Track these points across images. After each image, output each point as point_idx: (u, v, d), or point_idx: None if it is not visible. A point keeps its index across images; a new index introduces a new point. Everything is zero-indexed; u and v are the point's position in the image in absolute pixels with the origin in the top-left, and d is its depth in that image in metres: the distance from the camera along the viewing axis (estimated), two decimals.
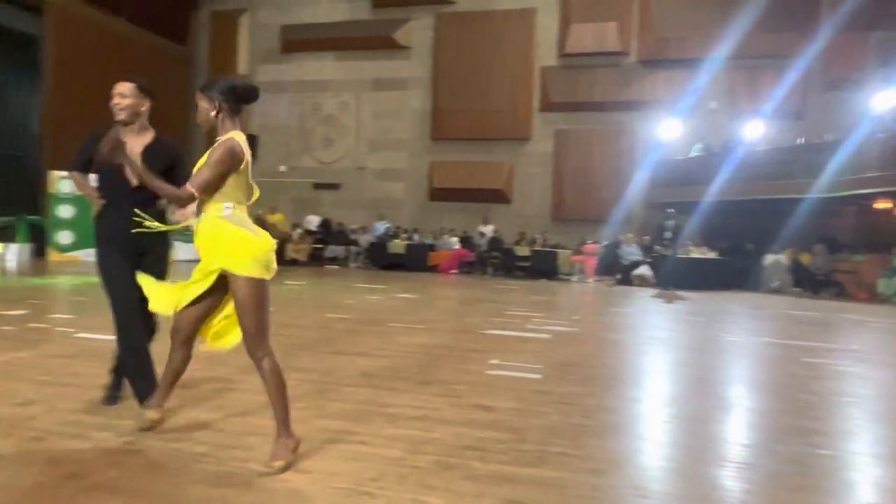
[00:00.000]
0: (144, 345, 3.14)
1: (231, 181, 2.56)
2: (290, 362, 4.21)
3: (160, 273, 3.03)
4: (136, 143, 3.07)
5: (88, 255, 13.98)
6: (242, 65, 18.82)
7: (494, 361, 4.55)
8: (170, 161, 3.10)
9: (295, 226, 16.44)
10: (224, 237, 2.50)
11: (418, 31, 17.80)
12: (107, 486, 2.17)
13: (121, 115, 3.07)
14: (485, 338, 5.63)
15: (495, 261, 15.07)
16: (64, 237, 13.85)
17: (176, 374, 2.78)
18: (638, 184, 15.88)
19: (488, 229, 15.79)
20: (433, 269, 15.12)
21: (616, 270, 14.03)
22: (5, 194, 14.48)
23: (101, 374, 3.69)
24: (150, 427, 2.70)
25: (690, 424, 3.33)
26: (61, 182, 13.82)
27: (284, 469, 2.35)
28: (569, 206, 16.82)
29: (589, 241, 15.05)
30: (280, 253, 15.53)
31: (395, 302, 8.44)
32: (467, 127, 17.31)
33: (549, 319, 7.12)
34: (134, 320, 3.12)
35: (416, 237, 16.23)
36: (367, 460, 2.49)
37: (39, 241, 14.23)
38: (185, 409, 3.08)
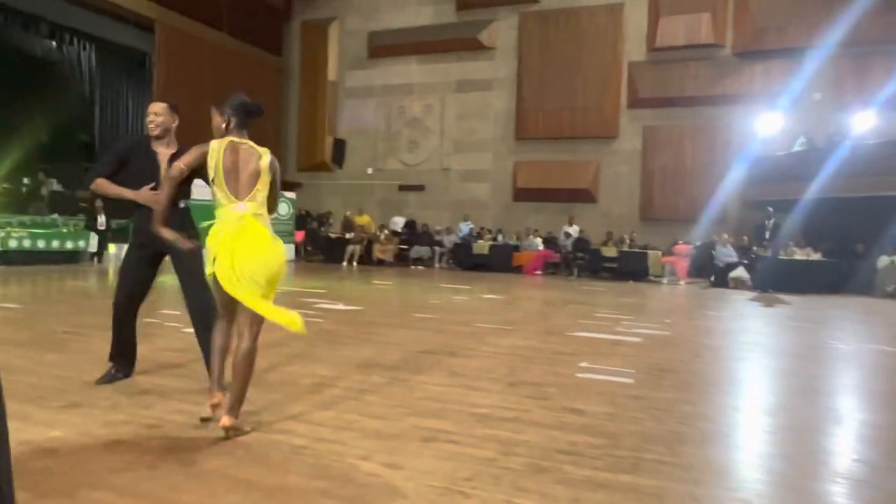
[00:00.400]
0: (125, 331, 3.59)
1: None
2: (379, 361, 4.32)
3: (194, 268, 3.21)
4: (165, 153, 3.54)
5: None
6: (332, 72, 19.46)
7: (584, 364, 4.46)
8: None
9: (381, 227, 16.81)
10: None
11: (503, 31, 17.77)
12: (214, 473, 2.29)
13: (155, 131, 3.56)
14: (573, 340, 5.54)
15: (581, 262, 14.78)
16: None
17: (225, 355, 2.96)
18: (733, 181, 15.12)
19: (574, 230, 15.51)
20: (517, 269, 15.03)
21: (710, 272, 13.42)
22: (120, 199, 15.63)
23: (204, 366, 3.91)
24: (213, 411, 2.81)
25: (796, 435, 3.13)
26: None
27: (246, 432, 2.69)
28: (658, 206, 16.26)
29: (680, 242, 14.47)
30: (367, 253, 16.00)
31: (481, 303, 8.46)
32: (552, 126, 17.11)
33: (640, 322, 6.90)
34: (125, 308, 3.61)
35: (500, 238, 16.19)
36: (460, 460, 2.50)
37: None
38: (286, 403, 3.21)
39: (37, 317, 5.78)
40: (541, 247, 15.34)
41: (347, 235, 16.31)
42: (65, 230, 12.57)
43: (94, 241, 12.96)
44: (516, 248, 15.54)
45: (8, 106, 15.24)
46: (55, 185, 15.17)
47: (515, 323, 6.53)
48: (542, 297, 9.85)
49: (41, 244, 11.91)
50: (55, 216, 13.08)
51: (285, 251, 2.87)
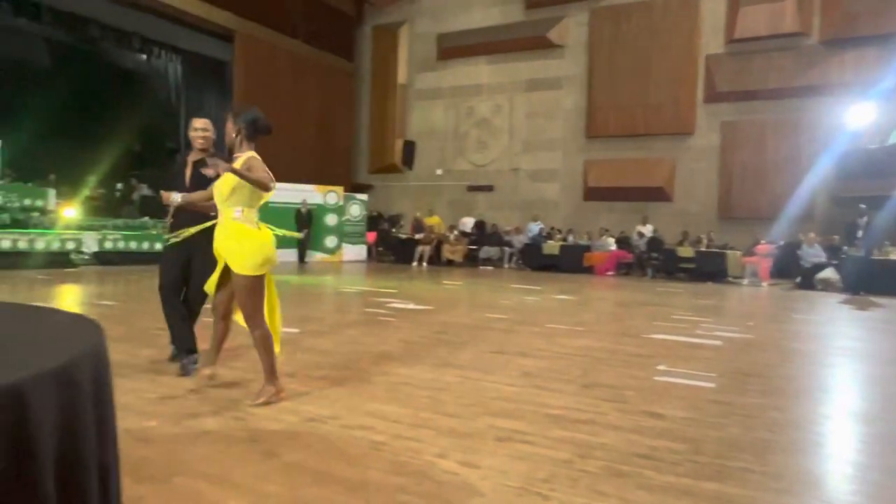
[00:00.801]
0: (177, 317, 3.91)
1: (249, 189, 3.11)
2: (451, 360, 4.35)
3: (207, 272, 3.44)
4: (190, 160, 4.01)
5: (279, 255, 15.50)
6: (402, 74, 19.74)
7: (662, 367, 4.33)
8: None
9: (451, 227, 16.90)
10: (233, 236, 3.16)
11: (572, 28, 17.50)
12: (297, 465, 2.37)
13: (204, 145, 4.00)
14: (649, 342, 5.39)
15: (655, 262, 14.35)
16: None
17: (219, 341, 3.36)
18: (820, 177, 14.28)
19: (647, 229, 15.08)
20: (589, 270, 14.76)
21: (795, 273, 12.73)
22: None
23: (287, 362, 4.06)
24: (208, 380, 3.33)
25: (894, 446, 2.93)
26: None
27: (265, 404, 3.09)
28: (737, 204, 15.57)
29: (762, 241, 13.80)
30: (437, 254, 16.13)
31: (552, 303, 8.36)
32: (624, 123, 16.70)
33: (720, 325, 6.64)
34: (165, 292, 3.97)
35: (570, 238, 15.95)
36: (536, 461, 2.49)
37: None
38: (363, 400, 3.28)
39: (131, 314, 6.15)
40: (613, 247, 15.00)
41: (417, 236, 16.50)
42: (154, 232, 13.31)
43: None
44: (587, 249, 15.25)
45: (103, 117, 16.32)
46: (145, 190, 16.10)
47: (588, 324, 6.42)
48: (614, 298, 9.63)
49: (133, 245, 12.67)
50: (145, 219, 13.89)
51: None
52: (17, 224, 11.24)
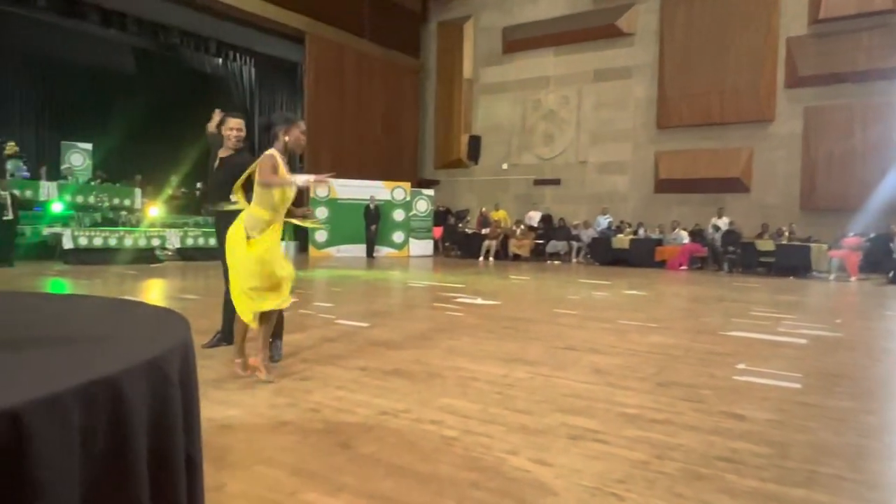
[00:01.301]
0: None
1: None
2: (521, 355, 4.31)
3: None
4: (222, 154, 4.19)
5: (340, 251, 15.87)
6: (467, 69, 19.72)
7: (742, 366, 4.14)
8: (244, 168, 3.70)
9: (517, 222, 16.78)
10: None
11: (642, 15, 16.97)
12: (371, 458, 2.41)
13: (238, 145, 4.15)
14: (727, 340, 5.17)
15: (732, 256, 13.76)
16: (320, 235, 15.83)
17: (242, 334, 3.65)
18: None
19: (723, 222, 14.48)
20: (660, 265, 14.33)
21: (888, 267, 11.92)
22: None
23: (359, 356, 4.13)
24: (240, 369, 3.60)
25: None
26: (319, 187, 15.80)
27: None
28: (822, 194, 14.69)
29: (850, 234, 12.99)
30: (503, 248, 16.06)
31: (623, 299, 8.16)
32: (697, 112, 16.07)
33: (805, 322, 6.29)
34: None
35: (641, 231, 15.51)
36: (611, 460, 2.43)
37: (302, 239, 16.45)
38: (433, 395, 3.30)
39: (212, 307, 6.40)
40: (686, 240, 14.49)
41: (484, 231, 16.48)
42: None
43: None
44: (659, 242, 14.80)
45: (183, 119, 17.08)
46: None
47: (661, 320, 6.23)
48: (689, 293, 9.30)
49: (212, 242, 13.22)
50: None
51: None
52: (107, 222, 11.98)
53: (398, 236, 16.72)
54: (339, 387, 3.40)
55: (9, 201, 10.62)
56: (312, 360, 4.00)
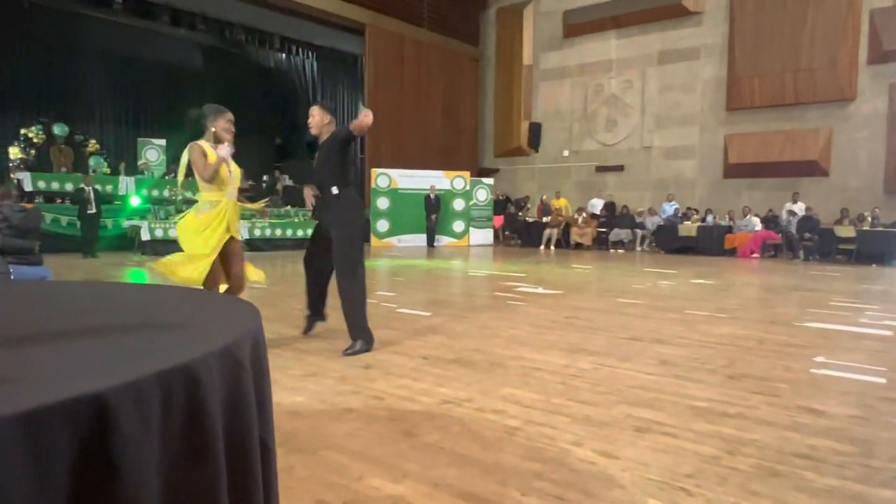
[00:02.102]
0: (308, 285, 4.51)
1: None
2: (584, 346, 4.24)
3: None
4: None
5: (400, 241, 16.04)
6: (527, 55, 19.45)
7: (820, 359, 3.94)
8: (339, 143, 4.13)
9: (579, 210, 16.50)
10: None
11: None
12: (434, 446, 2.42)
13: (313, 131, 4.23)
14: (804, 331, 4.93)
15: (808, 243, 13.09)
16: (381, 225, 16.04)
17: None
18: None
19: (798, 207, 13.77)
20: (730, 253, 13.79)
21: None
22: None
23: (421, 345, 4.17)
24: None
25: None
26: (379, 178, 16.00)
27: None
28: None
29: None
30: (565, 237, 15.83)
31: (690, 288, 7.90)
32: (771, 92, 15.30)
33: (890, 313, 5.92)
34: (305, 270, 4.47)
35: (709, 218, 14.95)
36: (679, 454, 2.36)
37: (365, 229, 16.71)
38: (496, 385, 3.29)
39: (278, 296, 6.62)
40: (758, 227, 13.88)
41: (545, 219, 16.29)
42: (296, 220, 14.24)
43: None
44: (729, 230, 14.24)
45: (250, 114, 17.62)
46: (287, 181, 17.25)
47: (731, 310, 5.99)
48: (761, 282, 8.92)
49: (278, 232, 13.64)
50: (288, 208, 14.88)
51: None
52: (180, 215, 12.49)
53: (458, 225, 16.75)
54: (401, 375, 3.44)
55: (92, 196, 11.25)
56: (375, 349, 4.06)
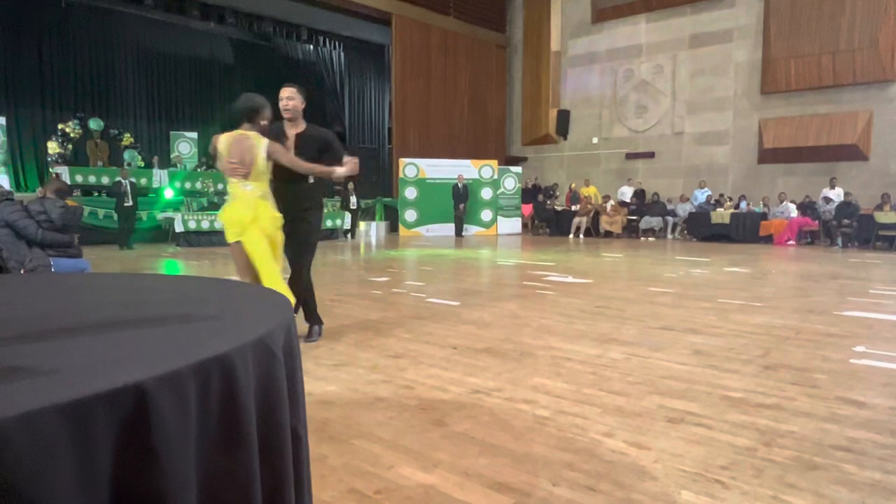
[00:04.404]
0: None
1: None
2: (615, 335, 4.20)
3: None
4: (292, 133, 3.99)
5: (429, 230, 16.07)
6: (555, 42, 19.21)
7: (860, 349, 3.84)
8: (320, 144, 3.98)
9: (607, 197, 16.30)
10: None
11: None
12: (464, 436, 2.43)
13: (287, 115, 3.98)
14: (843, 320, 4.80)
15: (847, 230, 12.74)
16: (410, 215, 16.08)
17: None
18: None
19: (836, 193, 13.40)
20: (765, 240, 13.50)
21: None
22: (366, 181, 17.45)
23: (450, 335, 4.17)
24: None
25: None
26: (407, 168, 16.03)
27: None
28: None
29: None
30: (594, 225, 15.67)
31: (724, 276, 7.76)
32: (807, 75, 14.86)
33: None
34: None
35: (743, 205, 14.65)
36: (713, 446, 2.32)
37: (392, 219, 16.79)
38: (526, 374, 3.28)
39: None
40: (794, 213, 13.55)
41: (574, 207, 16.14)
42: (325, 211, 14.34)
43: (347, 220, 14.61)
44: (764, 216, 13.93)
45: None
46: None
47: (766, 299, 5.87)
48: (797, 270, 8.71)
49: None
50: None
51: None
52: (212, 206, 12.71)
53: (486, 214, 16.70)
54: (431, 364, 3.45)
55: (129, 189, 11.50)
56: (405, 339, 4.08)
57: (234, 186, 3.56)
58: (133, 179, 12.08)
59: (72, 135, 13.83)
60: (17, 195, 7.06)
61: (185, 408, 0.86)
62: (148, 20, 16.06)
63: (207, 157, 14.89)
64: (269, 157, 3.54)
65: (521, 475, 2.08)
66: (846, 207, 12.87)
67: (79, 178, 12.72)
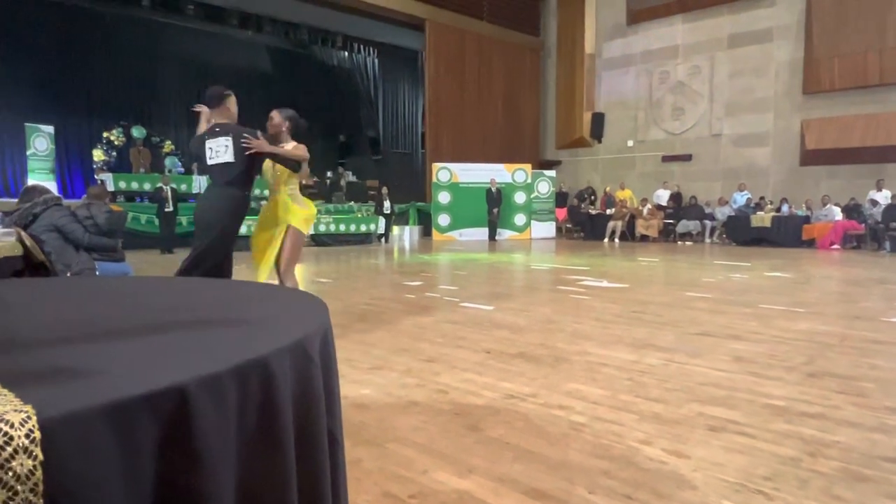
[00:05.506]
0: None
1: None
2: (652, 341, 4.13)
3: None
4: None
5: (462, 235, 16.07)
6: (589, 44, 19.05)
7: None
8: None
9: (644, 201, 16.07)
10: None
11: None
12: (499, 441, 2.41)
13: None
14: (891, 327, 4.63)
15: (895, 233, 12.30)
16: (443, 219, 16.11)
17: None
18: None
19: (883, 195, 12.95)
20: (808, 244, 13.13)
21: None
22: (400, 186, 17.55)
23: (484, 340, 4.16)
24: None
25: None
26: (440, 172, 16.07)
27: None
28: None
29: None
30: (630, 229, 15.46)
31: (765, 281, 7.56)
32: (852, 74, 14.43)
33: None
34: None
35: (784, 208, 14.28)
36: (756, 455, 2.26)
37: (426, 224, 16.85)
38: (561, 379, 3.25)
39: (343, 290, 6.75)
40: (839, 217, 13.15)
41: (608, 211, 15.95)
42: (359, 215, 14.48)
43: (381, 224, 14.72)
44: (806, 220, 13.55)
45: (314, 112, 18.03)
46: (350, 177, 17.57)
47: (810, 305, 5.70)
48: (842, 275, 8.44)
49: (342, 228, 13.91)
50: (351, 203, 15.15)
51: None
52: (251, 212, 12.92)
53: (520, 219, 16.63)
54: (465, 369, 3.44)
55: (170, 195, 11.79)
56: (439, 343, 4.08)
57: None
58: (174, 185, 12.38)
59: (116, 142, 14.26)
60: (65, 201, 7.31)
61: (224, 410, 0.87)
62: (188, 30, 16.48)
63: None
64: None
65: (557, 482, 2.05)
66: (894, 210, 12.43)
67: (122, 185, 13.09)
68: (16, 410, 0.68)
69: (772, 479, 2.07)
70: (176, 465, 0.81)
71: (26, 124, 13.32)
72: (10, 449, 0.65)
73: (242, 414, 0.91)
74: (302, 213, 4.20)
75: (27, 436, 0.66)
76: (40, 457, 0.66)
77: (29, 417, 0.67)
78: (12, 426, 0.66)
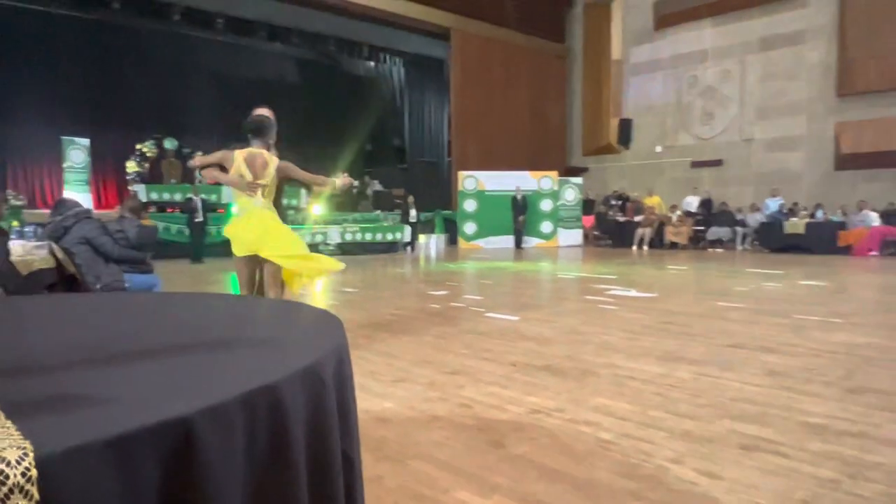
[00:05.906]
0: None
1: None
2: (682, 353, 4.02)
3: None
4: None
5: (488, 243, 16.01)
6: (615, 50, 18.91)
7: None
8: None
9: (673, 207, 15.82)
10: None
11: None
12: (522, 458, 2.36)
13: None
14: None
15: None
16: (469, 228, 16.07)
17: None
18: None
19: None
20: (844, 251, 12.76)
21: None
22: (426, 194, 17.58)
23: (509, 351, 4.10)
24: None
25: None
26: (466, 180, 16.05)
27: None
28: None
29: None
30: (658, 236, 15.23)
31: (800, 290, 7.35)
32: (890, 75, 14.04)
33: None
34: None
35: (819, 214, 13.91)
36: (792, 477, 2.17)
37: (452, 232, 16.83)
38: (587, 394, 3.18)
39: (369, 300, 6.75)
40: (877, 222, 12.76)
41: (637, 218, 15.74)
42: (385, 224, 14.53)
43: (407, 233, 14.74)
44: (842, 226, 13.18)
45: (341, 121, 18.21)
46: (377, 186, 17.66)
47: (848, 315, 5.51)
48: (881, 283, 8.17)
49: (368, 237, 13.97)
50: (378, 212, 15.22)
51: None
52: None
53: (546, 226, 16.50)
54: (489, 382, 3.39)
55: (199, 205, 11.97)
56: (463, 355, 4.04)
57: (245, 201, 3.83)
58: (204, 196, 12.57)
59: (148, 154, 14.54)
60: (98, 213, 7.47)
61: (231, 441, 0.84)
62: (218, 44, 16.80)
63: None
64: (281, 173, 3.89)
65: (583, 502, 1.99)
66: None
67: (154, 196, 13.34)
68: (14, 447, 0.66)
69: (810, 502, 1.98)
70: (181, 499, 0.78)
71: (62, 137, 13.69)
72: (5, 489, 0.63)
73: (251, 444, 0.88)
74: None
75: (23, 474, 0.64)
76: (36, 496, 0.64)
77: (26, 454, 0.65)
78: (9, 464, 0.64)
